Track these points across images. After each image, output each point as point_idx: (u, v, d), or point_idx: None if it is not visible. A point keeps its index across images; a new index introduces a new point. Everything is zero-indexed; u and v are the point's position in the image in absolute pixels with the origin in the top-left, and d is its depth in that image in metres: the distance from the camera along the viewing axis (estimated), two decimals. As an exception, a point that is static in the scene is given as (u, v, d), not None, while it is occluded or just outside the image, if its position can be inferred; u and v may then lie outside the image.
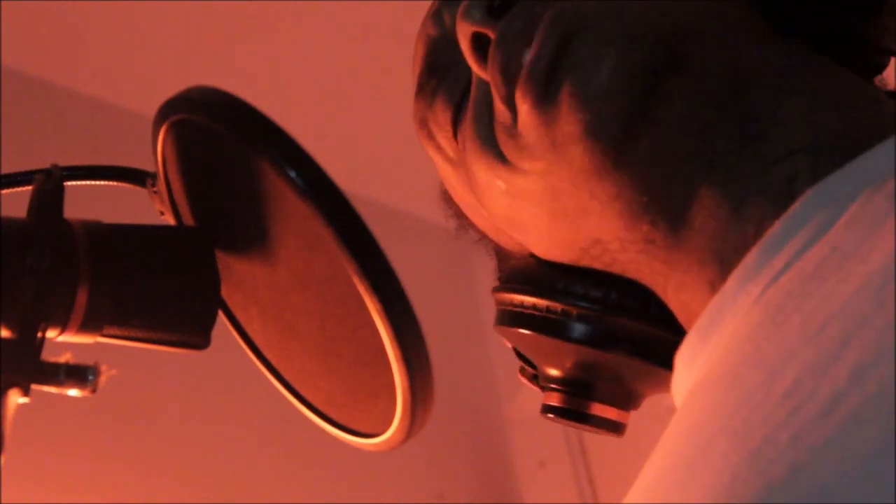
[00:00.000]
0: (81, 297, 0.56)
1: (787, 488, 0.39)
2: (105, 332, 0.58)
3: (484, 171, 0.57)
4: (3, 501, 1.12)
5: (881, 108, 0.54)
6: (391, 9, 1.72)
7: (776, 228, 0.49)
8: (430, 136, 0.63)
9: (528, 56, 0.53)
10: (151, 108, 0.58)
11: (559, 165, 0.54)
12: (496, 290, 0.62)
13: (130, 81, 1.97)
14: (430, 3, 0.65)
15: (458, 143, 0.61)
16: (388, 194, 2.14)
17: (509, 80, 0.54)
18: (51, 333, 0.56)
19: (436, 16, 0.64)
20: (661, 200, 0.53)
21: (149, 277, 0.58)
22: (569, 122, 0.52)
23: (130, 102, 1.95)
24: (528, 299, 0.58)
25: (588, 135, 0.52)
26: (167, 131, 0.58)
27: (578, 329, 0.57)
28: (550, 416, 0.60)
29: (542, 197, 0.56)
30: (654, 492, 0.46)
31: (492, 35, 0.55)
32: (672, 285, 0.55)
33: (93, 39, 1.94)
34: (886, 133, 0.50)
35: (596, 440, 2.09)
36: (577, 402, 0.59)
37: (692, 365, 0.52)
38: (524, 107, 0.53)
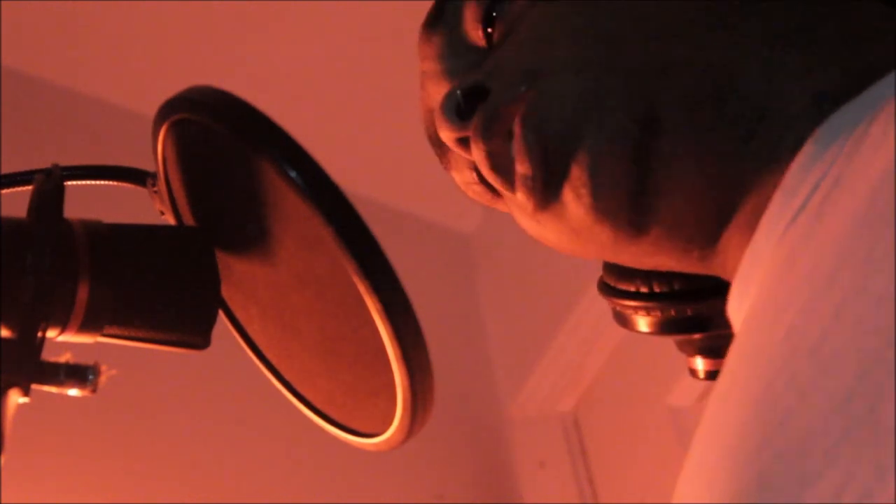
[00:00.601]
0: (81, 297, 0.56)
1: (778, 436, 0.39)
2: (105, 331, 0.58)
3: (531, 230, 0.61)
4: (3, 501, 1.12)
5: (881, 44, 0.53)
6: (391, 9, 1.72)
7: (791, 171, 0.49)
8: (480, 195, 0.66)
9: (517, 168, 0.56)
10: (151, 108, 0.58)
11: (589, 240, 0.57)
12: (600, 289, 0.66)
13: (130, 81, 1.97)
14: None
15: (500, 197, 0.64)
16: (388, 194, 2.14)
17: (501, 175, 0.57)
18: (51, 333, 0.56)
19: (424, 91, 0.66)
20: (700, 236, 0.55)
21: (149, 277, 0.58)
22: (578, 215, 0.55)
23: (130, 102, 1.95)
24: (629, 304, 0.63)
25: (602, 220, 0.55)
26: (167, 131, 0.58)
27: (681, 324, 0.63)
28: (700, 378, 0.66)
29: (591, 252, 0.59)
30: (694, 452, 0.47)
31: (469, 135, 0.58)
32: (728, 272, 0.56)
33: (93, 39, 1.94)
34: (890, 68, 0.50)
35: (596, 440, 2.09)
36: (713, 363, 0.65)
37: (739, 316, 0.53)
38: (529, 207, 0.57)
